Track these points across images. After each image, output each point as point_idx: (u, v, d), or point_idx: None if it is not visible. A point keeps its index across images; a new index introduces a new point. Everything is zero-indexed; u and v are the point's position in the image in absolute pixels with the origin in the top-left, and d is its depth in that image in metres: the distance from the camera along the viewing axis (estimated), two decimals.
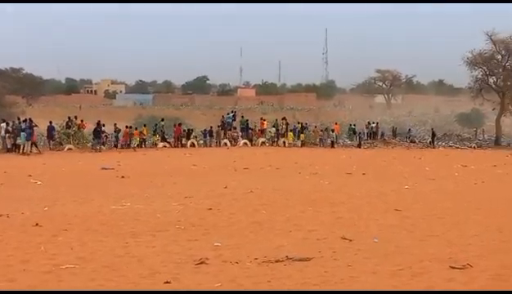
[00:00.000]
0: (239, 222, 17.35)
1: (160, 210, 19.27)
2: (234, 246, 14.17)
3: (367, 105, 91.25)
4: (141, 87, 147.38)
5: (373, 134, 59.55)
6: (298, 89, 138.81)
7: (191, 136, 52.97)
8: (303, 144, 54.70)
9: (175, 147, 51.09)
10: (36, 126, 45.56)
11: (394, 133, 60.74)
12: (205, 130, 54.66)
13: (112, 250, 13.72)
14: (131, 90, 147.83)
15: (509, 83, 60.10)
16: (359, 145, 55.53)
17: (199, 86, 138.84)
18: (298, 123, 58.43)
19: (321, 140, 56.15)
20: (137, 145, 49.84)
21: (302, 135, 55.55)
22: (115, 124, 50.75)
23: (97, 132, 48.54)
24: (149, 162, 38.99)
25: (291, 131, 56.25)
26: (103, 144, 48.62)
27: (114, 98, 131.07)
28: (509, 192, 24.04)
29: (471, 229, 16.15)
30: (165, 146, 51.06)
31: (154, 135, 52.15)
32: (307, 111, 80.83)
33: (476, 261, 12.28)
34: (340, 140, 57.21)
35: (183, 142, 52.05)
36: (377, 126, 60.70)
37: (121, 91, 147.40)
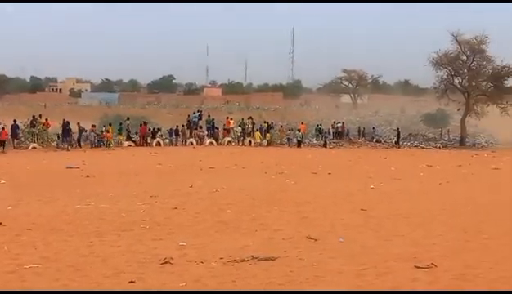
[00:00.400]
0: (204, 221, 17.32)
1: (125, 209, 19.17)
2: (199, 245, 14.13)
3: (333, 105, 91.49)
4: (106, 86, 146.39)
5: (339, 134, 59.68)
6: (265, 89, 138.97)
7: (157, 135, 52.70)
8: (269, 144, 54.68)
9: (140, 146, 50.78)
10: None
11: (361, 133, 60.89)
12: (171, 129, 54.41)
13: (76, 249, 13.63)
14: (96, 89, 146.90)
15: (473, 84, 60.64)
16: (324, 145, 55.64)
17: (165, 85, 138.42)
18: (265, 123, 58.44)
19: (288, 139, 56.17)
20: (105, 145, 49.52)
21: (268, 135, 55.55)
22: (78, 123, 50.24)
23: (66, 131, 48.21)
24: (114, 161, 38.73)
25: (257, 130, 56.18)
26: (71, 143, 48.23)
27: (80, 97, 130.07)
28: (474, 192, 24.23)
29: (436, 228, 16.25)
30: (131, 145, 50.73)
31: (120, 134, 51.76)
32: (273, 110, 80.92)
33: (440, 261, 12.35)
34: (306, 140, 57.25)
35: (149, 141, 51.77)
36: (343, 126, 60.85)
37: (86, 90, 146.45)
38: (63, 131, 48.44)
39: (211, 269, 12.08)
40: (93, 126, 51.14)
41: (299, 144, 54.88)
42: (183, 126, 54.69)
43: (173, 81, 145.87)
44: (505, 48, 69.41)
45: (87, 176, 28.90)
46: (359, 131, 61.37)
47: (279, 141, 56.11)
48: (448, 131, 64.86)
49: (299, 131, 56.29)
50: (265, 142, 54.66)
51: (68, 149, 46.72)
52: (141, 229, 16.17)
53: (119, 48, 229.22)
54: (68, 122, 48.72)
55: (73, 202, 20.43)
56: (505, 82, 60.97)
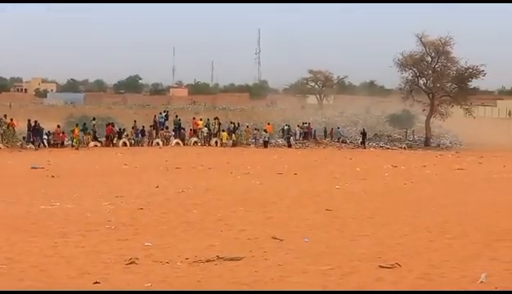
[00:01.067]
0: (170, 222, 17.31)
1: (90, 210, 19.11)
2: (165, 245, 14.14)
3: (299, 106, 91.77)
4: (72, 86, 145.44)
5: (305, 134, 59.77)
6: (231, 89, 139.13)
7: (123, 136, 52.42)
8: (235, 144, 54.66)
9: (106, 146, 50.51)
10: None
11: (326, 134, 61.05)
12: (137, 129, 54.16)
13: (41, 250, 13.57)
14: (62, 89, 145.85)
15: (438, 85, 61.19)
16: (289, 145, 55.75)
17: (131, 85, 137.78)
18: (231, 123, 58.36)
19: (255, 139, 56.16)
20: (72, 146, 49.24)
21: (234, 135, 55.51)
22: (35, 122, 49.63)
23: (36, 131, 47.96)
24: (80, 161, 38.52)
25: (223, 131, 56.03)
26: (40, 143, 48.00)
27: (45, 97, 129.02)
28: (438, 192, 24.44)
29: (400, 228, 16.37)
30: (96, 145, 50.43)
31: (85, 134, 51.37)
32: (239, 111, 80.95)
33: (405, 261, 12.45)
34: (272, 140, 57.30)
35: (115, 141, 51.49)
36: (309, 126, 60.93)
37: (52, 90, 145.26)
38: (32, 130, 48.09)
39: (176, 269, 12.08)
40: (58, 126, 50.83)
41: (266, 144, 54.93)
42: (150, 126, 54.42)
43: (139, 81, 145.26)
44: (469, 49, 69.94)
45: (52, 177, 28.75)
46: (325, 131, 61.53)
47: (245, 142, 56.06)
48: (413, 132, 65.38)
49: (266, 131, 56.35)
50: (231, 142, 54.62)
51: (36, 149, 46.53)
52: (106, 229, 16.14)
53: (84, 48, 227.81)
54: (37, 122, 48.46)
55: (37, 203, 20.33)
56: (469, 83, 61.70)
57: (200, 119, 58.08)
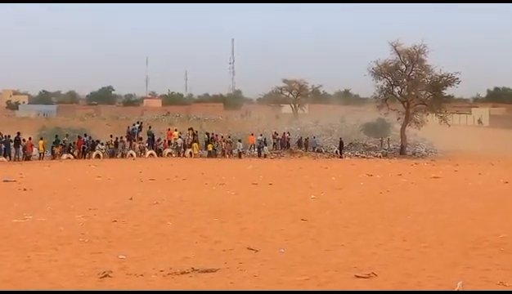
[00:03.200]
0: (144, 234, 17.13)
1: (63, 223, 18.83)
2: (139, 258, 13.99)
3: (274, 115, 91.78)
4: (44, 98, 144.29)
5: (282, 144, 59.63)
6: (205, 99, 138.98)
7: (96, 147, 52.11)
8: (210, 155, 54.53)
9: (79, 159, 50.18)
10: None
11: (301, 143, 60.89)
12: (111, 141, 53.88)
13: (13, 264, 13.38)
14: (34, 100, 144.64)
15: (413, 93, 61.42)
16: (260, 155, 55.70)
17: (104, 96, 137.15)
18: (207, 134, 58.21)
19: (230, 150, 56.07)
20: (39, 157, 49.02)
21: (209, 146, 55.36)
22: (18, 133, 49.51)
23: (17, 142, 47.88)
24: (52, 174, 38.18)
25: (196, 142, 55.83)
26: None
27: (17, 109, 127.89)
28: (414, 201, 24.45)
29: (376, 237, 16.33)
30: (69, 158, 50.10)
31: (56, 146, 50.98)
32: (214, 121, 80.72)
33: (380, 270, 12.42)
34: (247, 151, 57.25)
35: (88, 153, 51.17)
36: (284, 136, 60.74)
37: (24, 102, 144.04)
38: (14, 142, 48.04)
39: (151, 281, 11.97)
40: (30, 138, 50.54)
41: (240, 155, 54.87)
42: (117, 138, 54.05)
43: (112, 92, 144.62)
44: (443, 57, 70.51)
45: (25, 190, 28.43)
46: (300, 141, 61.44)
47: (220, 152, 55.91)
48: (388, 141, 65.54)
49: (240, 141, 56.27)
50: (206, 153, 54.48)
51: (19, 160, 46.57)
52: (79, 242, 15.92)
53: (57, 59, 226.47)
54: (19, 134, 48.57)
55: (10, 216, 20.04)
56: (444, 91, 61.89)
57: (176, 130, 57.93)
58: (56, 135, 52.14)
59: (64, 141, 52.18)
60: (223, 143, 56.68)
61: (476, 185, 30.67)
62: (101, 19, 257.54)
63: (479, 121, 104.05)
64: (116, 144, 53.09)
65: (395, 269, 12.63)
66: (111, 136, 53.96)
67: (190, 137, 56.59)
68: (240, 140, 56.58)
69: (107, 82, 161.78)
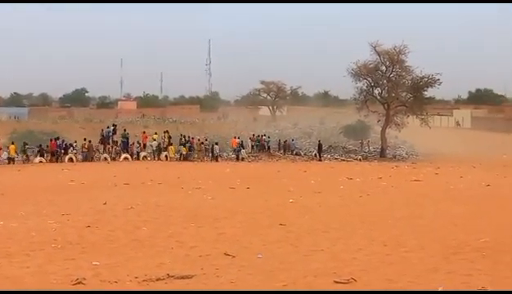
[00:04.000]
0: (118, 240, 16.89)
1: (36, 228, 18.57)
2: (113, 264, 13.79)
3: (252, 118, 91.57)
4: (15, 100, 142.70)
5: (262, 146, 59.39)
6: (181, 101, 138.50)
7: (69, 151, 51.57)
8: (185, 158, 54.22)
9: (52, 162, 49.64)
10: None
11: (280, 146, 60.67)
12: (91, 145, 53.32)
13: None
14: (5, 103, 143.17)
15: (393, 95, 61.13)
16: (242, 158, 55.48)
17: (77, 98, 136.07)
18: (183, 137, 57.84)
19: (207, 152, 55.72)
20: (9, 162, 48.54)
21: (184, 149, 55.00)
22: None
23: None
24: (24, 178, 37.81)
25: (171, 144, 55.48)
26: None
27: None
28: (394, 205, 24.35)
29: (356, 242, 16.18)
30: (42, 161, 49.57)
31: (25, 153, 50.41)
32: (190, 124, 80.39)
33: (360, 275, 12.27)
34: (224, 154, 56.99)
35: (61, 157, 50.63)
36: (262, 139, 60.51)
37: None
38: None
39: (125, 288, 11.80)
40: None
41: (217, 158, 54.62)
42: (88, 141, 53.54)
43: (86, 94, 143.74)
44: (423, 58, 70.38)
45: None
46: (279, 143, 61.17)
47: (196, 155, 55.58)
48: (368, 143, 65.38)
49: (217, 144, 56.00)
50: (182, 156, 54.19)
51: None
52: (52, 248, 15.69)
53: (28, 61, 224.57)
54: None
55: None
56: (425, 92, 61.49)
57: (156, 133, 57.58)
58: (25, 143, 51.25)
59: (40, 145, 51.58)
60: (201, 146, 56.36)
61: (457, 189, 30.68)
62: (73, 19, 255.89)
63: (457, 123, 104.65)
64: (89, 148, 52.51)
65: (375, 275, 12.49)
66: (85, 140, 53.38)
67: (166, 140, 56.22)
68: (216, 143, 56.29)
69: (81, 84, 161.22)
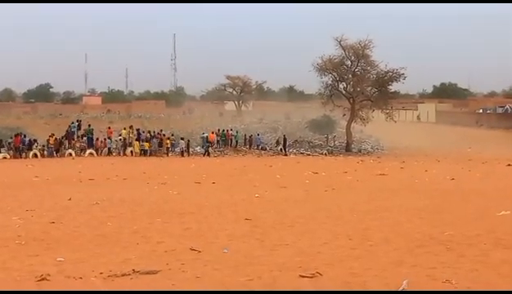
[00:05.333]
0: (83, 236, 16.74)
1: None
2: (78, 260, 13.65)
3: (217, 113, 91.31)
4: None
5: (228, 141, 59.22)
6: (147, 96, 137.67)
7: (34, 147, 51.08)
8: (151, 154, 53.98)
9: (15, 158, 49.14)
10: None
11: (246, 141, 60.56)
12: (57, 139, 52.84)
13: None
14: None
15: (358, 89, 61.26)
16: (208, 154, 55.34)
17: (41, 94, 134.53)
18: (149, 132, 57.54)
19: (173, 147, 55.50)
20: None
21: (146, 144, 54.68)
22: None
23: None
24: None
25: (137, 140, 55.20)
26: None
27: None
28: (359, 198, 24.46)
29: (321, 237, 16.19)
30: (5, 157, 49.05)
31: None
32: (156, 119, 79.92)
33: (325, 269, 12.27)
34: (191, 149, 56.77)
35: (25, 153, 50.14)
36: (228, 133, 60.31)
37: None
38: None
39: (90, 284, 11.68)
40: None
41: (183, 153, 54.47)
42: (54, 138, 53.04)
43: (50, 89, 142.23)
44: (388, 53, 70.53)
45: None
46: (244, 138, 61.07)
47: (162, 150, 55.33)
48: (334, 138, 65.52)
49: (182, 139, 55.81)
50: (148, 152, 53.95)
51: None
52: (16, 244, 15.51)
53: None
54: None
55: None
56: (390, 87, 61.76)
57: (124, 128, 57.20)
58: None
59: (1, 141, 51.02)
60: (167, 141, 56.13)
61: (422, 182, 30.94)
62: (37, 14, 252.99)
63: (418, 117, 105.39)
64: (56, 143, 52.03)
65: (340, 269, 12.51)
66: (50, 136, 52.84)
67: (132, 136, 55.90)
68: (182, 138, 56.09)
69: (45, 79, 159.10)
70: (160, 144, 55.63)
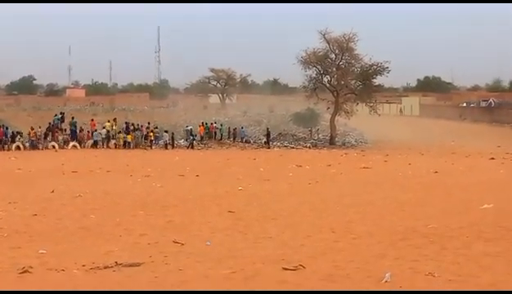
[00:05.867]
0: (66, 228, 16.74)
1: None
2: (60, 253, 13.67)
3: (202, 106, 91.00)
4: None
5: (213, 134, 59.03)
6: (130, 89, 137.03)
7: (17, 139, 50.76)
8: (135, 146, 53.77)
9: None
10: None
11: (230, 134, 60.34)
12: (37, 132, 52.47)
13: None
14: None
15: (342, 82, 60.92)
16: (192, 147, 55.16)
17: (25, 86, 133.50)
18: (132, 124, 57.26)
19: (157, 139, 55.30)
20: None
21: (128, 136, 54.41)
22: None
23: None
24: None
25: (120, 132, 54.91)
26: None
27: None
28: (343, 191, 24.51)
29: (305, 229, 16.24)
30: None
31: None
32: (139, 112, 79.51)
33: (309, 262, 12.29)
34: (175, 142, 56.48)
35: (8, 145, 49.81)
36: (211, 126, 60.09)
37: None
38: None
39: (72, 277, 11.67)
40: None
41: (166, 146, 54.30)
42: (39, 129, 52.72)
43: (34, 82, 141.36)
44: (372, 46, 70.38)
45: None
46: (228, 131, 60.87)
47: (146, 143, 55.11)
48: (318, 131, 65.42)
49: (166, 132, 55.61)
50: (132, 144, 53.72)
51: None
52: None
53: None
54: None
55: None
56: (374, 80, 61.53)
57: (108, 121, 56.89)
58: None
59: None
60: (150, 134, 55.87)
61: (406, 176, 30.96)
62: (20, 5, 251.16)
63: (400, 110, 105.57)
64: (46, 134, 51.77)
65: (323, 261, 12.55)
66: (31, 129, 52.49)
67: (115, 128, 55.63)
68: (166, 131, 55.87)
69: (28, 72, 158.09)
70: (146, 138, 55.37)
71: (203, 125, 58.99)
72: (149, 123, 57.78)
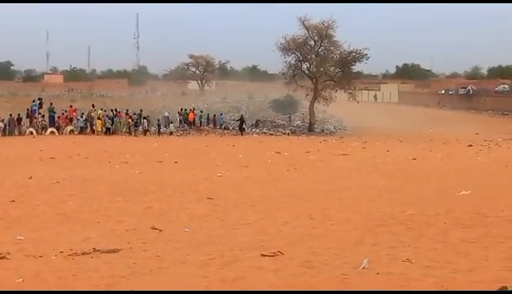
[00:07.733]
0: (44, 214, 16.72)
1: None
2: (38, 239, 13.67)
3: (180, 92, 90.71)
4: None
5: (190, 121, 58.88)
6: (109, 75, 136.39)
7: None
8: (113, 132, 53.54)
9: None
10: None
11: (208, 120, 60.21)
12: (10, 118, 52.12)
13: None
14: None
15: (321, 69, 60.92)
16: (171, 133, 55.00)
17: (2, 72, 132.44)
18: (111, 110, 56.96)
19: (136, 126, 55.04)
20: None
21: (109, 122, 54.11)
22: None
23: None
24: None
25: (99, 118, 54.61)
26: None
27: None
28: (321, 178, 24.56)
29: (283, 216, 16.29)
30: None
31: None
32: (118, 98, 79.21)
33: (287, 248, 12.32)
34: (152, 128, 56.32)
35: None
36: (192, 113, 59.91)
37: None
38: None
39: (50, 263, 11.66)
40: None
41: (145, 132, 54.11)
42: (12, 116, 52.28)
43: (11, 67, 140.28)
44: (352, 33, 70.23)
45: None
46: (207, 118, 60.78)
47: (124, 130, 54.89)
48: (297, 117, 65.41)
49: (145, 118, 55.39)
50: (110, 130, 53.47)
51: None
52: None
53: None
54: None
55: None
56: (353, 67, 61.67)
57: (93, 105, 56.62)
58: None
59: None
60: (129, 120, 55.61)
61: (384, 162, 31.07)
62: None
63: (375, 97, 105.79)
64: (19, 120, 51.35)
65: (301, 248, 12.57)
66: (11, 115, 52.14)
67: (93, 114, 55.32)
68: (145, 118, 55.65)
69: (5, 57, 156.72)
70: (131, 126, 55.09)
71: (192, 111, 58.91)
72: (127, 110, 57.44)
